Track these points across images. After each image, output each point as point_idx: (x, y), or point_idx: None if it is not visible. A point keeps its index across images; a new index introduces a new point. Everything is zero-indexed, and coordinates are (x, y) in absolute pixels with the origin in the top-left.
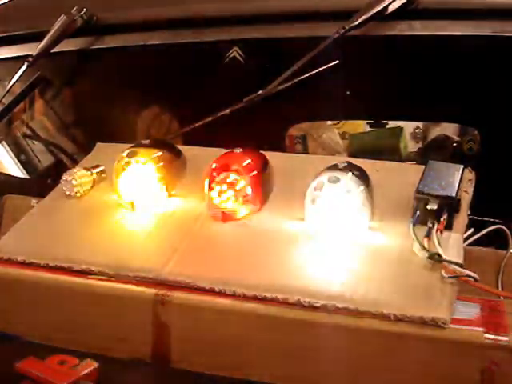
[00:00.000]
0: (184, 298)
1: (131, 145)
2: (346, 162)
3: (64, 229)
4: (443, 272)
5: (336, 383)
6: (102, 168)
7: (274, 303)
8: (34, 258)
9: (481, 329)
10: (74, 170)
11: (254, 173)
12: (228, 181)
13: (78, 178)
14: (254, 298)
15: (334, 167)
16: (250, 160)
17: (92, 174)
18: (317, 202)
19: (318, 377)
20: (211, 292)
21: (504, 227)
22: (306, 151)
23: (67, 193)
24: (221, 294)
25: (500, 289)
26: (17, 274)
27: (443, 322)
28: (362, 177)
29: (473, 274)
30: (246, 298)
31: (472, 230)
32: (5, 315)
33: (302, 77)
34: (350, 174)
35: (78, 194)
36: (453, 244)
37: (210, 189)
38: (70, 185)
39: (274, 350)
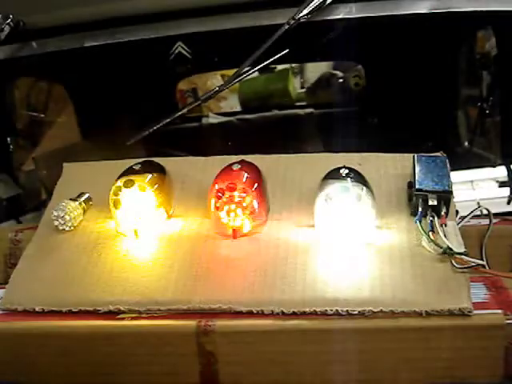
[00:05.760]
0: (227, 326)
1: (100, 162)
2: (344, 166)
3: (72, 268)
4: (455, 263)
5: (383, 379)
6: (87, 195)
7: (313, 316)
8: (53, 305)
9: (499, 311)
10: (63, 203)
11: (256, 186)
12: (235, 200)
13: (70, 212)
14: (293, 314)
15: (338, 175)
16: (248, 174)
17: (81, 204)
18: (328, 212)
19: (366, 377)
20: (249, 314)
21: (487, 209)
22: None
23: (60, 228)
24: (259, 314)
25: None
26: (41, 326)
27: (469, 311)
28: (362, 179)
29: (481, 262)
30: (285, 315)
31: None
32: (30, 368)
33: (255, 68)
34: (355, 180)
35: (72, 228)
36: (453, 233)
37: (217, 209)
38: (63, 220)
39: (321, 360)
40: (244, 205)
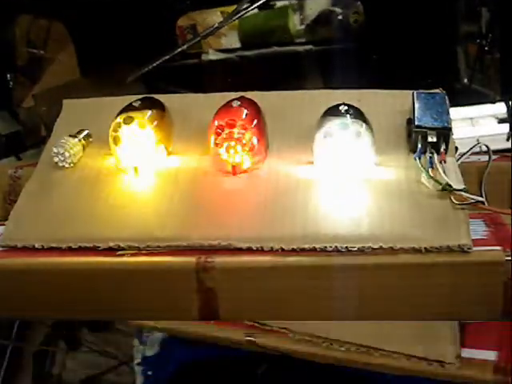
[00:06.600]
0: (227, 262)
1: (100, 98)
2: (343, 103)
3: (72, 205)
4: (454, 200)
5: (378, 314)
6: (87, 132)
7: (312, 253)
8: (53, 241)
9: (498, 247)
10: (63, 139)
11: (255, 122)
12: (234, 136)
13: (70, 148)
14: (293, 251)
15: (337, 111)
16: (248, 111)
17: (80, 140)
18: (328, 149)
19: (362, 312)
20: (249, 251)
21: (486, 145)
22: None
23: (60, 164)
24: (259, 251)
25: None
26: (41, 263)
27: (468, 248)
28: (361, 116)
29: (481, 199)
30: (284, 252)
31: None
32: (30, 305)
33: (255, 5)
34: (354, 117)
35: (72, 165)
36: (452, 169)
37: (217, 145)
38: (63, 156)
39: (320, 296)
40: (243, 141)
